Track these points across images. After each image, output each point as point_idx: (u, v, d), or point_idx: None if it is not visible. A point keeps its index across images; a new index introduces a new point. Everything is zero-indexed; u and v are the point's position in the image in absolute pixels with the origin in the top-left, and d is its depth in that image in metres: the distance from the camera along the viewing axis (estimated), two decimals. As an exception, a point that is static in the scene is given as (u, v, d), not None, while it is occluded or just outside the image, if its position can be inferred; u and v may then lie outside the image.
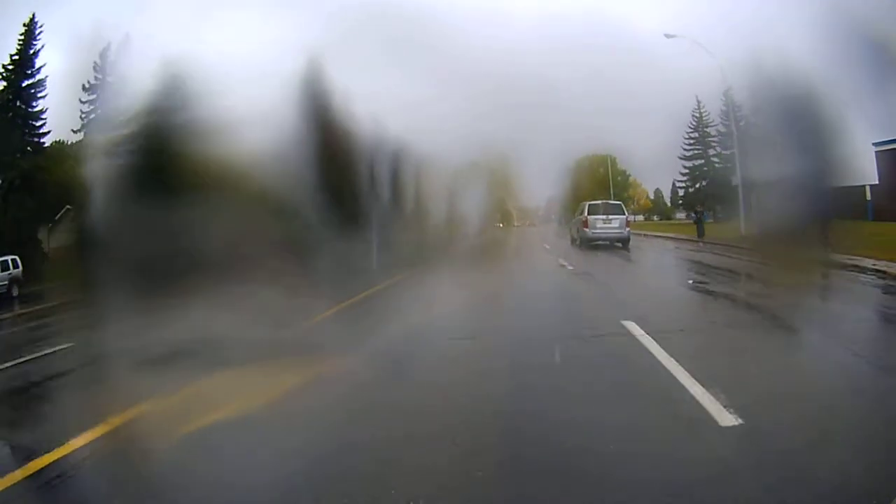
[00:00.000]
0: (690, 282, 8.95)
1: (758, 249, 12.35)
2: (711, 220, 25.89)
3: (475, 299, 7.97)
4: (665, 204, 36.13)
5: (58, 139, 20.84)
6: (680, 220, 35.24)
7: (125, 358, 5.33)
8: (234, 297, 7.50)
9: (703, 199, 23.22)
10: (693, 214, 18.55)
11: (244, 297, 7.48)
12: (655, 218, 35.91)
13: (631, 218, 32.41)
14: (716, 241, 15.24)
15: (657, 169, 29.99)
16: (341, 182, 14.45)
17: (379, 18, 24.46)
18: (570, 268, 11.56)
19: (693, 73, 23.29)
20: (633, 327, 5.18)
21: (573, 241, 17.33)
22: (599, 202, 16.59)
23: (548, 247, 17.81)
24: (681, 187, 26.02)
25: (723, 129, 22.15)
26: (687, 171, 24.59)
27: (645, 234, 22.17)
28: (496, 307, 7.40)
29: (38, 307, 12.44)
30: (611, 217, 15.71)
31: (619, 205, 16.98)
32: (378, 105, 19.21)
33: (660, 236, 21.11)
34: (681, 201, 34.20)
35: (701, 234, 17.23)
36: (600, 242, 15.54)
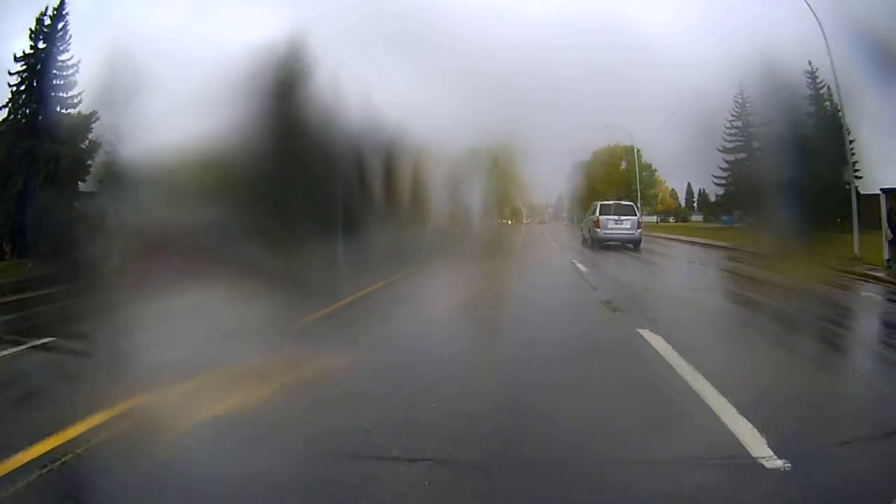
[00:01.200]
0: None
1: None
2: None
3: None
4: (679, 205, 33.94)
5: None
6: (697, 222, 32.41)
7: None
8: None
9: (745, 199, 19.96)
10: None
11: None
12: (671, 220, 33.48)
13: (652, 219, 29.66)
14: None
15: (671, 168, 27.69)
16: (309, 172, 11.33)
17: (383, 14, 21.86)
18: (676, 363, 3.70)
19: (706, 65, 20.76)
20: None
21: (584, 241, 17.03)
22: (611, 202, 16.20)
23: (584, 270, 10.12)
24: (719, 185, 22.69)
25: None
26: (728, 164, 21.22)
27: (693, 242, 17.49)
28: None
29: None
30: (622, 218, 15.31)
31: (631, 205, 16.41)
32: (375, 91, 16.36)
33: (717, 245, 16.32)
34: (694, 201, 31.07)
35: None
36: (612, 243, 15.29)
